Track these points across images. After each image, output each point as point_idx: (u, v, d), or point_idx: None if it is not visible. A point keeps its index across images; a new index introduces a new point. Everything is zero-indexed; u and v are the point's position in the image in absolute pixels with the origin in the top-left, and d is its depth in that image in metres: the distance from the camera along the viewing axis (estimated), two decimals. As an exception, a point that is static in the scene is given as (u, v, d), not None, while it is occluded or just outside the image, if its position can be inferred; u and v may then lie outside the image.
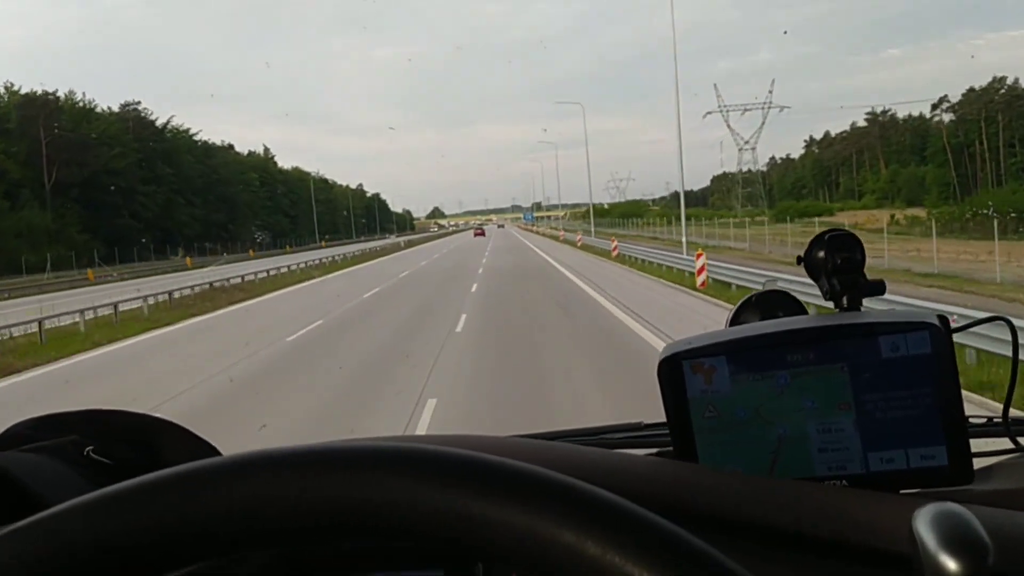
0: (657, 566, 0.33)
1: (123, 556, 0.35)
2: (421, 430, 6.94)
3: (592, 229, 61.55)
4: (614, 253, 34.19)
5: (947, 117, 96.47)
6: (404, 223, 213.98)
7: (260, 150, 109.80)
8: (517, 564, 0.35)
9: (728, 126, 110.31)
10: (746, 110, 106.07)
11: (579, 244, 48.78)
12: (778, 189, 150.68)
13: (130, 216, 67.62)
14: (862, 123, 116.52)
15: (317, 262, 42.29)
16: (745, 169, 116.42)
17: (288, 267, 37.69)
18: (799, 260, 0.74)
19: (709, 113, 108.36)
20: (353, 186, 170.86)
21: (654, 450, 0.79)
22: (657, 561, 0.33)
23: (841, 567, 0.56)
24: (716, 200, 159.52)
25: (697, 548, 0.34)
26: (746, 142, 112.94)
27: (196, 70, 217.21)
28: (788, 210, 72.25)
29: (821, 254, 0.72)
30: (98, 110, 71.40)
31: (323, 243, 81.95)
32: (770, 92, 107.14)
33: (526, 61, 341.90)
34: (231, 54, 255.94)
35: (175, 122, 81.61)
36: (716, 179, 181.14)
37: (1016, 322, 0.73)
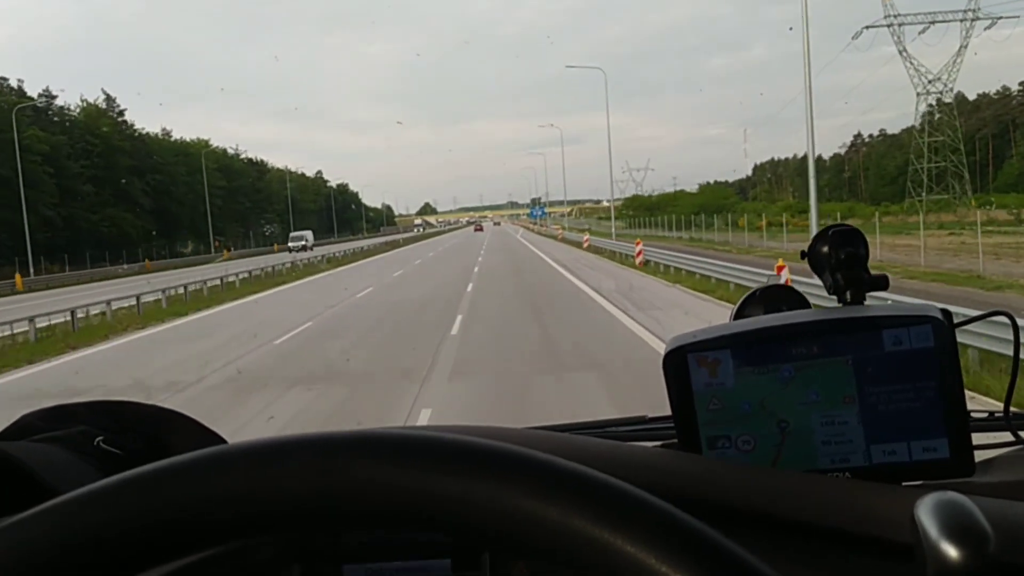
0: (675, 557, 0.33)
1: (129, 543, 0.35)
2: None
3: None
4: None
5: None
6: (384, 221, 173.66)
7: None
8: (524, 551, 0.36)
9: (902, 53, 66.67)
10: (932, 22, 62.50)
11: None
12: (875, 176, 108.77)
13: None
14: None
15: None
16: (925, 115, 71.50)
17: None
18: (803, 255, 0.75)
19: (868, 27, 64.96)
20: (311, 174, 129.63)
21: (659, 442, 0.78)
22: (676, 552, 0.33)
23: (844, 557, 0.56)
24: (761, 193, 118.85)
25: (714, 539, 0.34)
26: (930, 81, 68.94)
27: (188, 65, 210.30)
28: None
29: (825, 249, 0.72)
30: None
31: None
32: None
33: (522, 57, 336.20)
34: (224, 49, 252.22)
35: None
36: (759, 168, 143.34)
37: (1018, 317, 0.72)
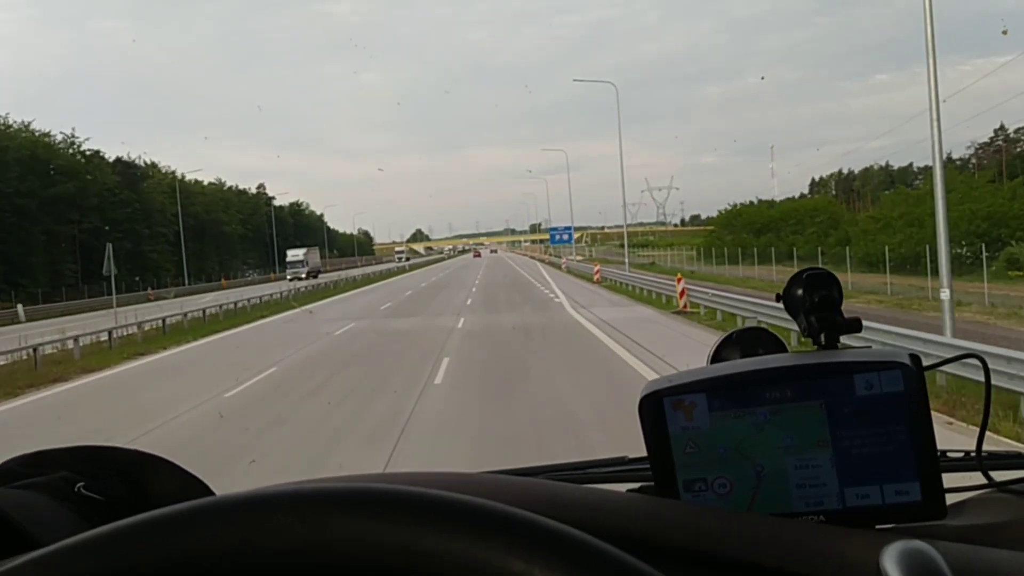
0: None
1: None
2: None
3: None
4: None
5: None
6: (363, 250, 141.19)
7: None
8: None
9: None
10: None
11: None
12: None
13: None
14: None
15: None
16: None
17: None
18: (778, 297, 0.76)
19: None
20: (253, 190, 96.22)
21: (636, 484, 0.80)
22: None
23: None
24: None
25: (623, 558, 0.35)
26: None
27: (184, 99, 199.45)
28: None
29: (799, 292, 0.73)
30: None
31: None
32: None
33: (516, 86, 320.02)
34: (219, 83, 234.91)
35: None
36: (820, 183, 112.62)
37: (989, 359, 0.72)
